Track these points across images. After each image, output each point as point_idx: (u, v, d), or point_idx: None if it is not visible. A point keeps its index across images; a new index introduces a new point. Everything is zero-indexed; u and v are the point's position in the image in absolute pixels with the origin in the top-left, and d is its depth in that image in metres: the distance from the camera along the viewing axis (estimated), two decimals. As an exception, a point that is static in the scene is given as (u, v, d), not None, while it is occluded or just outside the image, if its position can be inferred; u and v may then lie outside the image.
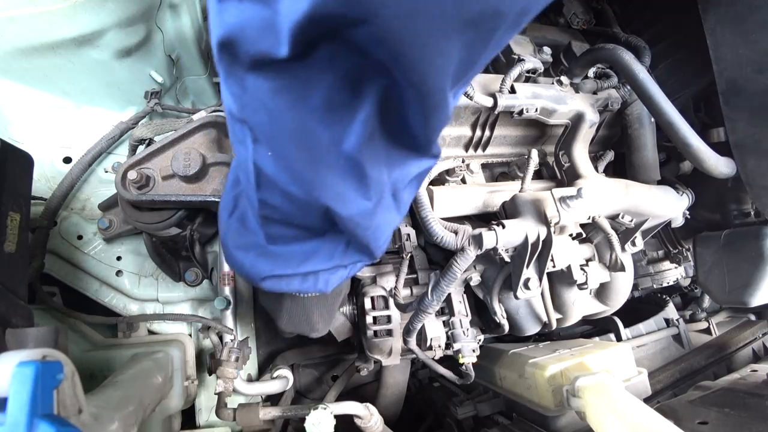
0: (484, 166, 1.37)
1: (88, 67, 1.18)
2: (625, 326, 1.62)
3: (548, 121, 1.24)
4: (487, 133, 1.28)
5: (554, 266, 1.11)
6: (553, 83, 1.27)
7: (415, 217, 1.15)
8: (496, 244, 0.99)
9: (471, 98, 1.10)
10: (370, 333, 1.20)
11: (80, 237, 1.37)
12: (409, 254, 1.20)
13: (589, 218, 1.11)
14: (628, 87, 1.34)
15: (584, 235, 1.20)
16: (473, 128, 1.27)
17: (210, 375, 1.35)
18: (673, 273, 1.78)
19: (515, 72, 1.18)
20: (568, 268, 1.13)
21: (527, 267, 1.06)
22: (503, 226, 1.01)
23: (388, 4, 0.40)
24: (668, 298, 1.87)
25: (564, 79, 1.28)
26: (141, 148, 1.26)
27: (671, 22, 1.51)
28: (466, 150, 1.33)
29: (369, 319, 1.19)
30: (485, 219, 1.27)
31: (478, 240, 0.98)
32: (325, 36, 0.44)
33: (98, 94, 1.31)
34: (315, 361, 1.68)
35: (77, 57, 1.13)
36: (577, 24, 1.62)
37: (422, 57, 0.46)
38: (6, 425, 0.50)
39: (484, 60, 0.54)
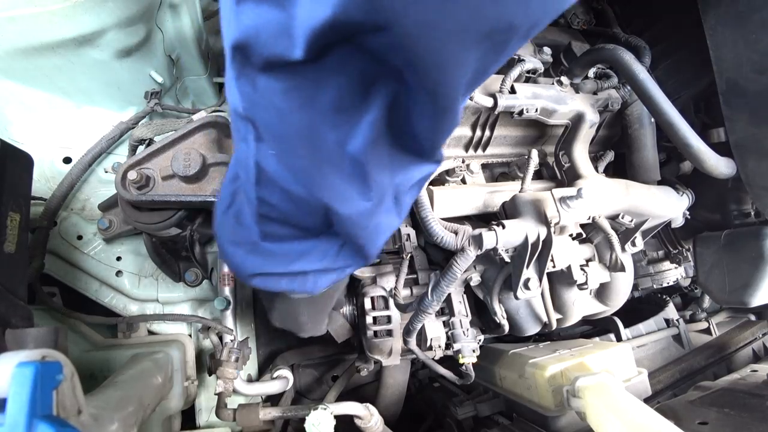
0: (484, 166, 1.37)
1: (88, 67, 1.18)
2: (625, 326, 1.62)
3: (548, 121, 1.24)
4: (487, 133, 1.28)
5: (554, 266, 1.11)
6: (553, 83, 1.27)
7: (415, 217, 1.15)
8: (496, 244, 0.99)
9: (471, 98, 1.10)
10: (370, 333, 1.20)
11: (80, 237, 1.37)
12: (409, 254, 1.20)
13: (589, 218, 1.11)
14: (628, 87, 1.34)
15: (584, 236, 1.20)
16: (473, 128, 1.27)
17: (210, 375, 1.35)
18: (673, 273, 1.77)
19: (515, 72, 1.18)
20: (568, 268, 1.13)
21: (527, 267, 1.06)
22: (503, 227, 1.01)
23: (409, 14, 0.41)
24: (668, 298, 1.87)
25: (564, 79, 1.28)
26: (141, 148, 1.26)
27: (671, 23, 1.51)
28: (466, 150, 1.33)
29: (369, 320, 1.19)
30: (485, 219, 1.27)
31: (478, 240, 0.98)
32: (341, 41, 0.45)
33: (98, 94, 1.31)
34: (315, 361, 1.68)
35: (77, 57, 1.13)
36: (577, 24, 1.62)
37: (438, 65, 0.47)
38: (5, 426, 0.50)
39: (494, 69, 0.55)
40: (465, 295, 1.25)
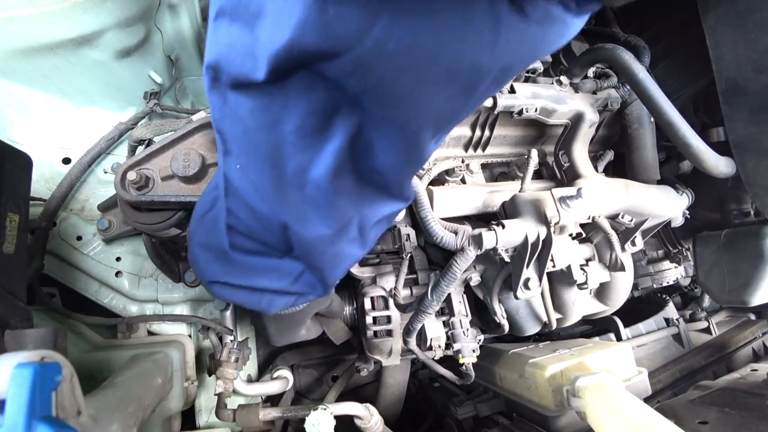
0: (483, 166, 1.37)
1: (87, 67, 1.18)
2: (625, 326, 1.62)
3: (548, 121, 1.24)
4: (486, 133, 1.28)
5: (554, 266, 1.11)
6: (552, 83, 1.27)
7: (414, 217, 1.14)
8: (496, 244, 0.99)
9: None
10: (370, 333, 1.20)
11: (79, 238, 1.37)
12: (409, 254, 1.20)
13: (588, 218, 1.11)
14: (628, 87, 1.34)
15: (584, 235, 1.20)
16: (473, 128, 1.27)
17: (210, 376, 1.35)
18: (672, 273, 1.78)
19: (515, 72, 1.17)
20: (568, 268, 1.13)
21: (527, 267, 1.06)
22: (503, 226, 1.01)
23: (362, 42, 0.42)
24: (668, 297, 1.87)
25: (564, 78, 1.28)
26: (140, 148, 1.26)
27: (671, 22, 1.51)
28: (466, 150, 1.33)
29: (369, 320, 1.19)
30: (485, 219, 1.27)
31: (477, 240, 0.98)
32: (301, 66, 0.46)
33: (97, 95, 1.31)
34: (315, 361, 1.68)
35: (76, 57, 1.13)
36: (576, 24, 1.62)
37: (395, 96, 0.48)
38: (4, 427, 0.50)
39: (466, 113, 0.56)
40: (465, 295, 1.25)
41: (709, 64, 1.12)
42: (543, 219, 1.04)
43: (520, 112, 1.18)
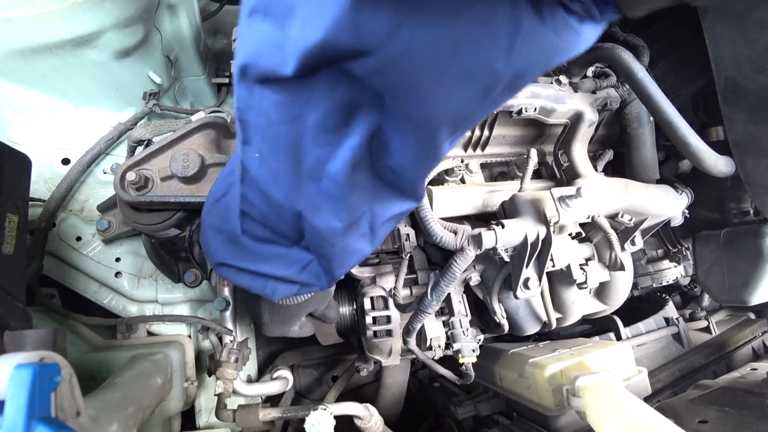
0: (483, 165, 1.37)
1: (86, 68, 1.18)
2: (625, 325, 1.62)
3: (547, 120, 1.24)
4: (486, 132, 1.28)
5: (554, 266, 1.11)
6: (551, 82, 1.27)
7: (414, 217, 1.14)
8: (496, 243, 0.99)
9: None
10: (369, 333, 1.20)
11: (79, 238, 1.37)
12: (409, 254, 1.20)
13: (588, 217, 1.11)
14: (627, 86, 1.34)
15: (584, 235, 1.20)
16: (472, 128, 1.27)
17: (209, 376, 1.35)
18: (672, 272, 1.78)
19: (514, 71, 1.17)
20: (568, 267, 1.13)
21: (527, 267, 1.06)
22: (502, 226, 1.01)
23: (392, 41, 0.44)
24: (668, 297, 1.87)
25: (563, 78, 1.28)
26: (139, 149, 1.26)
27: (670, 21, 1.51)
28: (465, 150, 1.33)
29: (369, 320, 1.19)
30: (485, 219, 1.27)
31: (477, 240, 0.98)
32: (329, 64, 0.48)
33: (97, 95, 1.31)
34: (315, 361, 1.68)
35: (75, 58, 1.13)
36: (575, 23, 1.62)
37: (417, 94, 0.50)
38: (3, 428, 0.50)
39: (480, 116, 0.58)
40: (465, 295, 1.25)
41: (708, 63, 1.12)
42: (542, 218, 1.04)
43: (519, 112, 1.18)
